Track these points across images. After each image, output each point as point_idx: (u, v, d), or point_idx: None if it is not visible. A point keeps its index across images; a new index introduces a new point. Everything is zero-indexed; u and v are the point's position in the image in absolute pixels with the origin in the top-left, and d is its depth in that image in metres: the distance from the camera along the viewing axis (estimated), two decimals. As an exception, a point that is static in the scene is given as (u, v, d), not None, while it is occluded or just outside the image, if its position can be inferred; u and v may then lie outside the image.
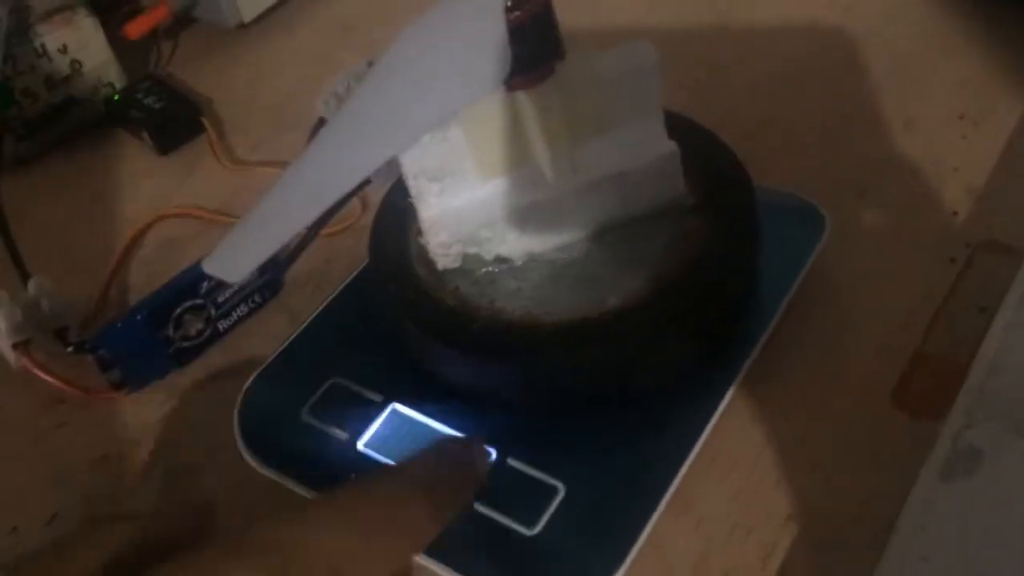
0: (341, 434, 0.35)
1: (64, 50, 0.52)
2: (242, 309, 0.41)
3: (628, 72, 0.34)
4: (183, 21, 0.61)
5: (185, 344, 0.40)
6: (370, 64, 0.42)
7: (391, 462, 0.34)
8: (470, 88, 0.30)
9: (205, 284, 0.40)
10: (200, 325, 0.40)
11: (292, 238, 0.31)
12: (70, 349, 0.40)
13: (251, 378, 0.37)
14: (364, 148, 0.30)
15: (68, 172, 0.53)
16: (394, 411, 0.35)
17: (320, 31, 0.60)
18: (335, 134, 0.30)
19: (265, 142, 0.51)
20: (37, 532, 0.36)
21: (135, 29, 0.57)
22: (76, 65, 0.53)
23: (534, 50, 0.32)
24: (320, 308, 0.39)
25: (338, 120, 0.30)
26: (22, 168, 0.53)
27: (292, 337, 0.39)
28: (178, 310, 0.39)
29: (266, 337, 0.41)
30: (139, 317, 0.39)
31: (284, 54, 0.59)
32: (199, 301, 0.40)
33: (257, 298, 0.42)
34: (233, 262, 0.26)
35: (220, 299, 0.40)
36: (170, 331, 0.39)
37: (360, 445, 0.34)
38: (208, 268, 0.26)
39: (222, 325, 0.41)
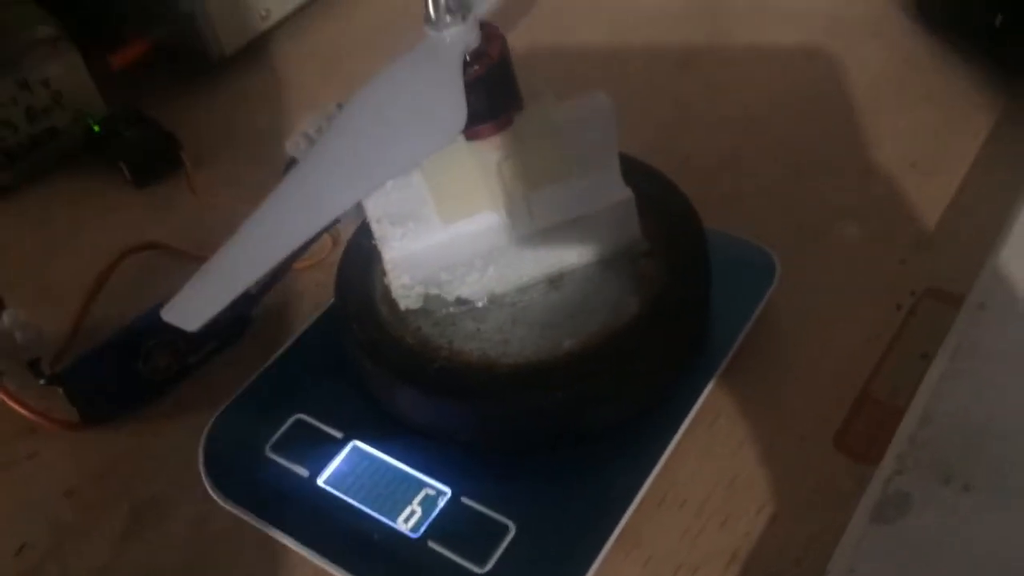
0: (302, 471, 0.36)
1: (46, 83, 0.53)
2: (211, 344, 0.42)
3: (584, 122, 0.36)
4: (166, 52, 0.62)
5: (154, 378, 0.41)
6: (340, 107, 0.44)
7: (351, 499, 0.35)
8: (431, 139, 0.31)
9: None
10: (169, 359, 0.41)
11: (259, 279, 0.32)
12: (42, 381, 0.40)
13: (216, 413, 0.38)
14: (327, 195, 0.31)
15: (48, 202, 0.54)
16: (354, 448, 0.36)
17: (299, 65, 0.61)
18: (298, 182, 0.31)
19: (244, 175, 0.52)
20: (6, 563, 0.37)
21: (118, 60, 0.58)
22: (57, 97, 0.54)
23: (493, 102, 0.33)
24: (287, 345, 0.40)
25: (302, 168, 0.31)
26: (2, 197, 0.54)
27: (258, 373, 0.40)
28: (147, 344, 0.40)
29: (239, 370, 0.41)
30: (107, 351, 0.40)
31: (264, 87, 0.60)
32: (168, 336, 0.40)
33: (227, 333, 0.42)
34: (192, 310, 0.27)
35: (190, 334, 0.41)
36: (139, 365, 0.40)
37: (320, 481, 0.35)
38: (167, 316, 0.27)
39: (192, 359, 0.42)
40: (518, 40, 0.58)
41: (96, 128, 0.55)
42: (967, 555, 0.28)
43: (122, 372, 0.40)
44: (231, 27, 0.60)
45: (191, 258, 0.47)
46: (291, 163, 0.44)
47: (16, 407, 0.40)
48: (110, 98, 0.57)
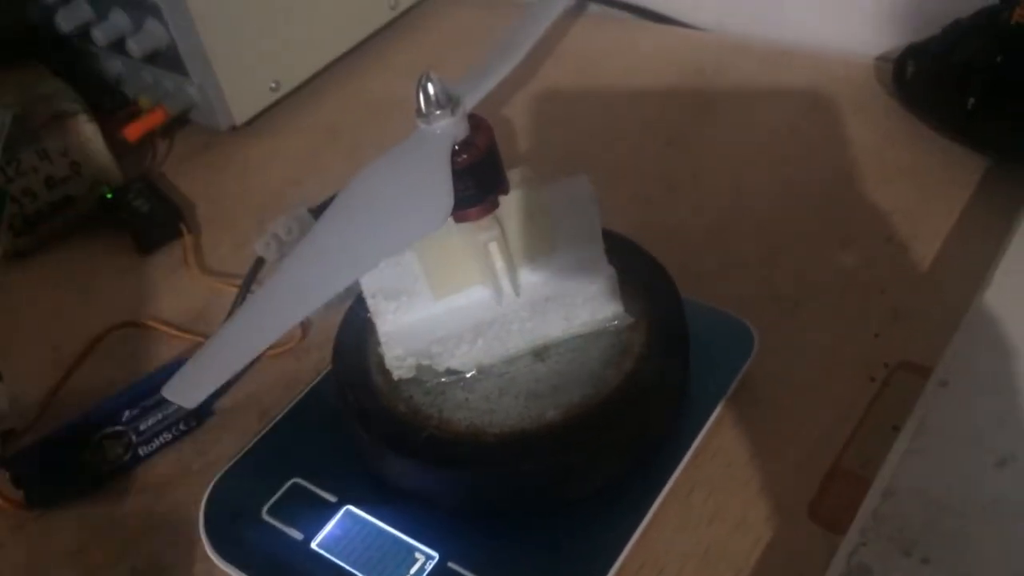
0: (297, 534, 0.37)
1: (65, 153, 0.56)
2: (165, 436, 0.43)
3: (567, 203, 0.38)
4: (178, 122, 0.65)
5: (104, 468, 0.42)
6: (310, 210, 0.46)
7: (343, 563, 0.36)
8: (420, 224, 0.33)
9: (127, 412, 0.42)
10: (119, 450, 0.42)
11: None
12: None
13: (217, 476, 0.40)
14: (324, 276, 0.33)
15: (60, 267, 0.56)
16: (347, 512, 0.38)
17: (307, 135, 0.64)
18: (296, 265, 0.33)
19: (244, 246, 0.55)
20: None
21: (133, 132, 0.61)
22: (75, 167, 0.57)
23: (480, 186, 0.35)
24: (285, 410, 0.42)
25: (297, 253, 0.33)
26: (19, 261, 0.56)
27: (257, 437, 0.41)
28: (97, 436, 0.42)
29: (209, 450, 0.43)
30: (57, 441, 0.42)
31: (272, 156, 0.63)
32: (120, 428, 0.42)
33: (182, 426, 0.44)
34: (190, 389, 0.29)
35: (142, 427, 0.43)
36: (87, 456, 0.42)
37: (314, 545, 0.37)
38: (167, 394, 0.29)
39: (143, 451, 0.43)
40: (512, 115, 0.61)
41: (110, 195, 0.58)
42: (926, 626, 0.29)
43: (69, 462, 0.42)
44: (241, 98, 0.63)
45: (172, 337, 0.49)
46: (259, 262, 0.45)
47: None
48: (125, 165, 0.60)
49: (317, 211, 0.50)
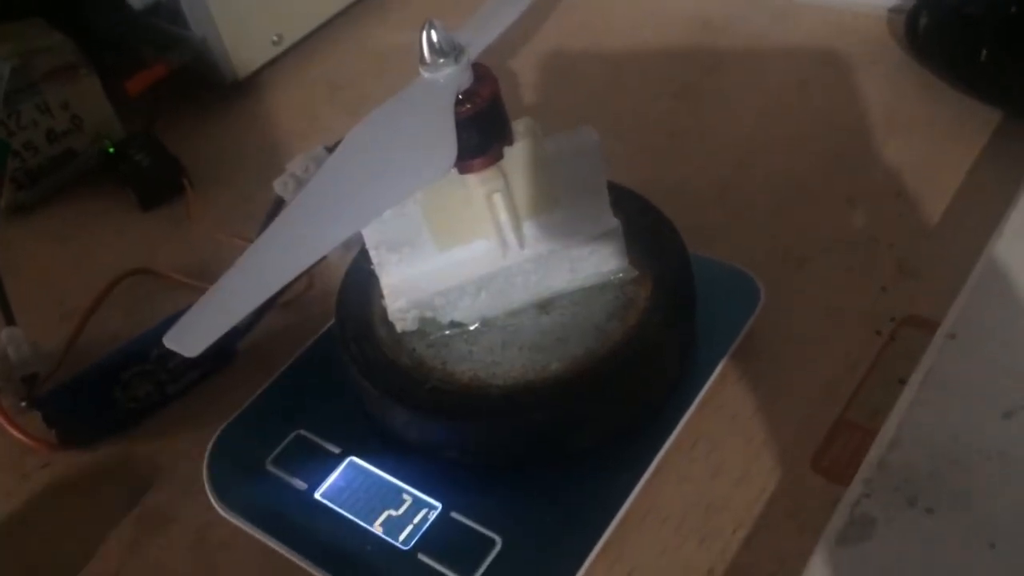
0: (301, 484, 0.38)
1: (65, 106, 0.56)
2: (192, 375, 0.44)
3: (572, 154, 0.37)
4: (181, 76, 0.64)
5: (133, 406, 0.43)
6: (327, 148, 0.46)
7: (346, 512, 0.36)
8: (423, 174, 0.32)
9: (155, 350, 0.42)
10: (148, 388, 0.43)
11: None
12: (23, 404, 0.42)
13: (221, 428, 0.40)
14: (326, 225, 0.32)
15: (63, 221, 0.56)
16: (351, 463, 0.38)
17: (309, 88, 0.63)
18: (298, 213, 0.33)
19: (245, 199, 0.54)
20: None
21: (135, 85, 0.60)
22: (76, 120, 0.56)
23: (483, 137, 0.35)
24: (288, 364, 0.42)
25: (301, 200, 0.33)
26: (21, 215, 0.56)
27: (261, 390, 0.41)
28: (127, 374, 0.42)
29: (237, 393, 0.43)
30: (87, 380, 0.42)
31: (274, 110, 0.62)
32: (148, 366, 0.42)
33: (209, 365, 0.44)
34: (192, 337, 0.29)
35: (170, 365, 0.43)
36: (118, 394, 0.42)
37: (317, 495, 0.37)
38: (169, 343, 0.29)
39: (171, 389, 0.44)
40: (519, 69, 0.61)
41: (111, 150, 0.57)
42: (928, 576, 0.29)
43: (101, 400, 0.42)
44: (243, 52, 0.62)
45: (181, 284, 0.49)
46: (278, 202, 0.45)
47: (5, 425, 0.42)
48: (127, 119, 0.59)
49: (333, 150, 0.49)
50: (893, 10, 0.58)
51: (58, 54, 0.56)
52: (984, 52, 0.48)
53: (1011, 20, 0.47)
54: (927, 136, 0.50)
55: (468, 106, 0.33)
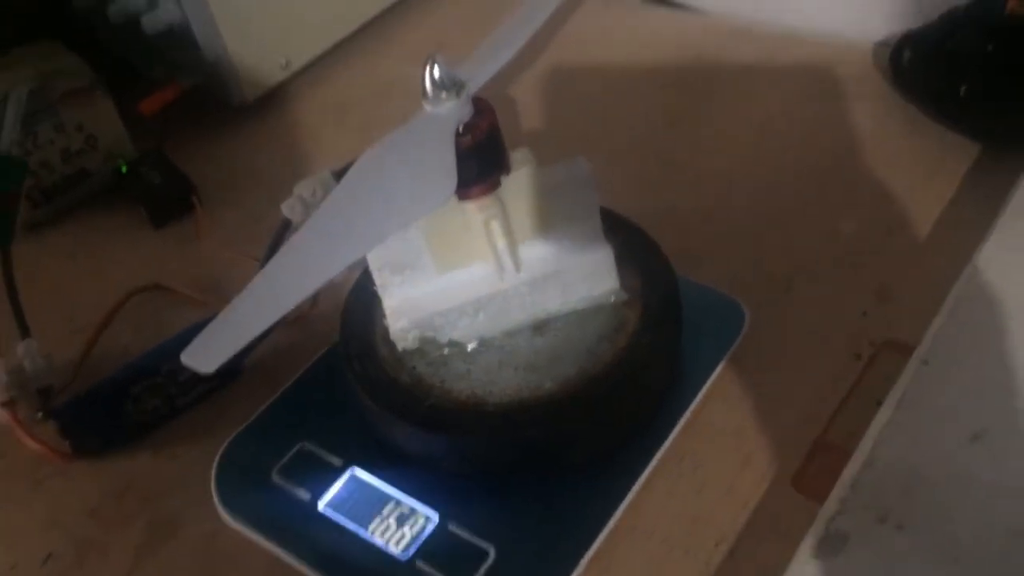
0: (304, 494, 0.39)
1: (80, 127, 0.57)
2: (200, 389, 0.46)
3: (566, 183, 0.40)
4: (191, 97, 0.66)
5: (142, 419, 0.45)
6: (333, 173, 0.48)
7: (347, 522, 0.38)
8: (424, 203, 0.34)
9: (166, 365, 0.44)
10: (159, 402, 0.44)
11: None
12: (39, 415, 0.44)
13: (229, 440, 0.42)
14: (334, 250, 0.34)
15: (76, 238, 0.58)
16: (353, 475, 0.40)
17: (316, 112, 0.66)
18: (307, 238, 0.35)
19: (253, 220, 0.56)
20: (33, 571, 0.41)
21: (148, 106, 0.62)
22: (91, 140, 0.58)
23: (482, 167, 0.37)
24: (293, 379, 0.44)
25: (309, 227, 0.35)
26: (36, 232, 0.58)
27: (267, 404, 0.43)
28: (138, 387, 0.44)
29: (244, 406, 0.45)
30: (99, 393, 0.44)
31: (282, 132, 0.64)
32: (159, 380, 0.44)
33: (216, 380, 0.46)
34: (208, 356, 0.30)
35: (180, 379, 0.45)
36: (128, 407, 0.44)
37: (320, 505, 0.39)
38: (186, 360, 0.31)
39: (180, 402, 0.45)
40: (518, 96, 0.63)
41: (123, 169, 0.59)
42: (898, 589, 0.31)
43: (112, 413, 0.44)
44: (253, 75, 0.64)
45: (191, 301, 0.51)
46: (286, 223, 0.47)
47: (21, 435, 0.43)
48: (139, 138, 0.61)
49: (339, 174, 0.51)
50: (879, 44, 0.60)
51: (74, 76, 0.58)
52: (964, 88, 0.50)
53: (988, 58, 0.49)
54: (909, 167, 0.52)
55: (468, 138, 0.35)
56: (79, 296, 0.54)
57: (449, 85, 0.34)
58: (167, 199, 0.58)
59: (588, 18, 0.70)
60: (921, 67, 0.54)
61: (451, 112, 0.35)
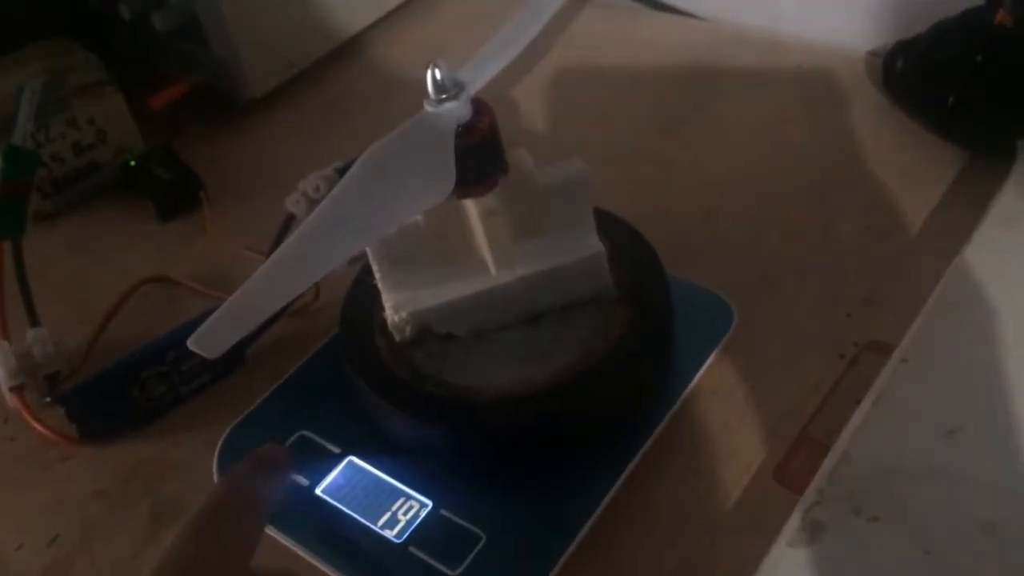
0: (303, 480, 0.41)
1: (92, 121, 0.59)
2: (204, 377, 0.47)
3: (562, 183, 0.41)
4: (200, 94, 0.67)
5: (148, 405, 0.46)
6: (336, 170, 0.49)
7: (344, 507, 0.40)
8: (423, 200, 0.36)
9: (171, 353, 0.45)
10: (163, 389, 0.46)
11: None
12: (48, 400, 0.46)
13: (230, 427, 0.43)
14: (336, 243, 0.36)
15: (84, 229, 0.60)
16: (350, 463, 0.41)
17: (321, 109, 0.67)
18: (311, 232, 0.36)
19: (257, 214, 0.57)
20: (41, 551, 0.42)
21: (158, 101, 0.63)
22: (101, 134, 0.60)
23: (481, 167, 0.38)
24: (295, 368, 0.46)
25: (314, 219, 0.36)
26: (46, 223, 0.60)
27: (269, 392, 0.45)
28: (144, 374, 0.45)
29: (244, 395, 0.46)
30: (106, 379, 0.45)
31: (287, 129, 0.66)
32: (164, 368, 0.46)
33: (220, 369, 0.47)
34: (214, 341, 0.32)
35: (184, 368, 0.46)
36: (135, 393, 0.45)
37: (318, 491, 0.40)
38: (192, 345, 0.32)
39: (184, 389, 0.47)
40: (518, 98, 0.64)
41: (132, 163, 0.61)
42: (869, 577, 0.32)
43: (118, 398, 0.45)
44: (260, 73, 0.66)
45: (196, 292, 0.53)
46: (290, 218, 0.48)
47: (29, 419, 0.45)
48: (148, 133, 0.63)
49: (342, 171, 0.52)
50: (872, 53, 0.61)
51: (86, 72, 0.59)
52: (951, 98, 0.51)
53: (977, 68, 0.50)
54: (898, 173, 0.53)
55: (467, 138, 0.37)
56: (87, 286, 0.55)
57: (450, 87, 0.36)
58: (174, 194, 0.59)
59: (587, 23, 0.71)
60: (912, 76, 0.56)
61: (451, 113, 0.36)
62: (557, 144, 0.60)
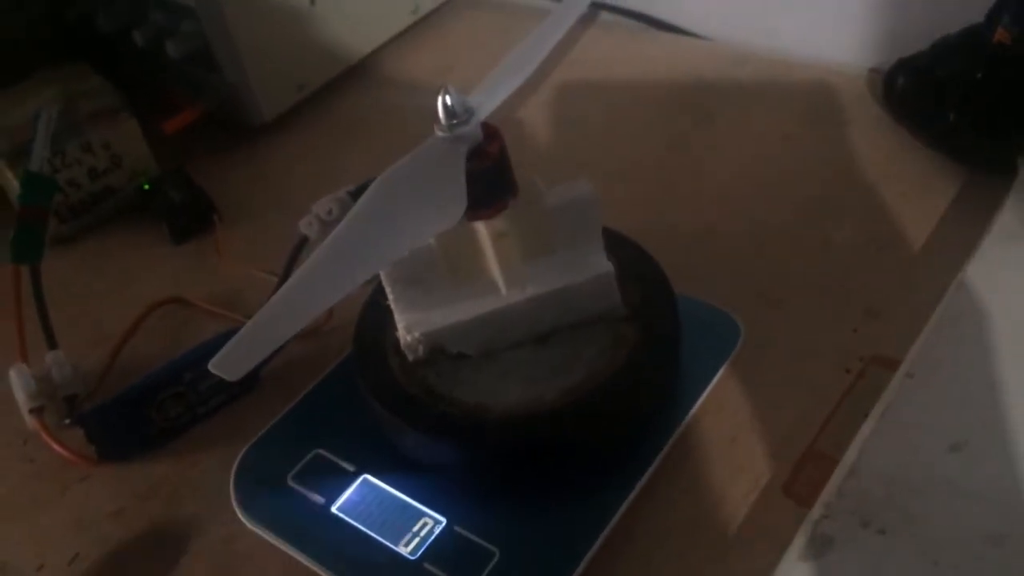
0: (319, 499, 0.41)
1: (107, 146, 0.60)
2: (220, 398, 0.48)
3: (570, 205, 0.42)
4: (212, 118, 0.68)
5: (165, 425, 0.47)
6: (349, 192, 0.50)
7: (360, 524, 0.40)
8: (435, 223, 0.37)
9: (187, 374, 0.46)
10: (180, 410, 0.47)
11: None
12: (67, 421, 0.47)
13: (247, 447, 0.44)
14: (351, 267, 0.37)
15: (101, 253, 0.61)
16: (365, 480, 0.42)
17: (331, 133, 0.68)
18: (327, 256, 0.37)
19: (273, 237, 0.58)
20: (60, 570, 0.43)
21: (171, 126, 0.65)
22: (116, 159, 0.61)
23: (491, 190, 0.39)
24: (309, 388, 0.46)
25: (327, 246, 0.37)
26: (62, 247, 0.61)
27: (283, 412, 0.45)
28: (161, 396, 0.46)
29: (260, 414, 0.47)
30: (124, 401, 0.46)
31: (298, 152, 0.67)
32: (181, 389, 0.47)
33: (235, 389, 0.48)
34: (234, 364, 0.33)
35: (200, 388, 0.47)
36: (152, 414, 0.46)
37: (334, 508, 0.41)
38: (214, 368, 0.33)
39: (200, 410, 0.48)
40: (526, 119, 0.65)
41: (146, 186, 0.62)
42: (879, 589, 0.33)
43: (136, 419, 0.46)
44: (271, 97, 0.67)
45: (210, 314, 0.54)
46: (303, 240, 0.49)
47: (48, 440, 0.46)
48: (161, 157, 0.64)
49: (355, 194, 0.53)
50: (873, 70, 0.62)
51: (100, 98, 0.60)
52: (952, 115, 0.52)
53: (976, 85, 0.51)
54: (900, 189, 0.54)
55: (477, 162, 0.38)
56: (104, 308, 0.56)
57: (460, 112, 0.37)
58: (188, 217, 0.60)
59: (592, 44, 0.72)
60: (912, 93, 0.56)
61: (462, 137, 0.37)
62: (562, 162, 0.61)
